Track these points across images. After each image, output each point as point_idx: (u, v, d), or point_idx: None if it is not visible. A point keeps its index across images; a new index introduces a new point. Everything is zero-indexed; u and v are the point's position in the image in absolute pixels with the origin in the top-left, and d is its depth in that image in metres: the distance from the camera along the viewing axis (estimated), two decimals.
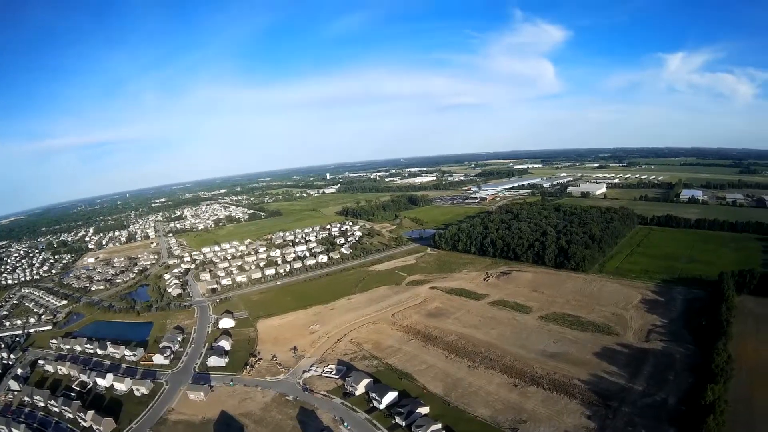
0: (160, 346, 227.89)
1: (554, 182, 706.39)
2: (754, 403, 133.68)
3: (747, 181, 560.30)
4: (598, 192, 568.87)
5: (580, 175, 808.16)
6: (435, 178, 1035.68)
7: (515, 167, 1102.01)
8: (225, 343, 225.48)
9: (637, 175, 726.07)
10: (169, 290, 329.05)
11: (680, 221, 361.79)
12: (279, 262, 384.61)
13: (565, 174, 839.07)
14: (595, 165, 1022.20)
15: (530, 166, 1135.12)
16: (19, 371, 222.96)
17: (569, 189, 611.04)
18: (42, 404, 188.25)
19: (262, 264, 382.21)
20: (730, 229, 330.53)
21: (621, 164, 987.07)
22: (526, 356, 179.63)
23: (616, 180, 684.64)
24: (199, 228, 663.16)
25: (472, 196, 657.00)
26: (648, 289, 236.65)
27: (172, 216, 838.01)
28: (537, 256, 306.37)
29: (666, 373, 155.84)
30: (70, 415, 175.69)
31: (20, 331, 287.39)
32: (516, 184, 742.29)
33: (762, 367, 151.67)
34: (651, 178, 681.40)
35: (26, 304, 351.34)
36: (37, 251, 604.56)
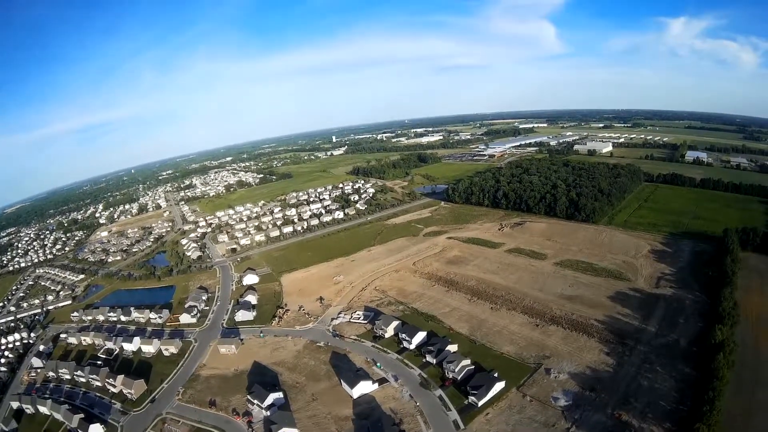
0: (186, 306, 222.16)
1: (561, 140, 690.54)
2: (760, 349, 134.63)
3: (751, 147, 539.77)
4: (605, 150, 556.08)
5: (585, 134, 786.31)
6: (442, 137, 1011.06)
7: (521, 126, 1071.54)
8: (251, 298, 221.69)
9: (642, 136, 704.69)
10: (188, 253, 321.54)
11: (685, 180, 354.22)
12: (296, 220, 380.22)
13: (570, 133, 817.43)
14: (600, 125, 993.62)
15: (536, 125, 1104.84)
16: (41, 347, 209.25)
17: (576, 147, 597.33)
18: (68, 376, 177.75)
19: (279, 223, 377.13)
20: (734, 190, 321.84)
21: (626, 125, 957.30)
22: (544, 298, 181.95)
23: (622, 140, 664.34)
24: (211, 194, 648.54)
25: (481, 153, 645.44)
26: (656, 240, 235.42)
27: (182, 185, 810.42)
28: (549, 208, 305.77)
29: (677, 317, 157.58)
30: (98, 383, 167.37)
31: (39, 310, 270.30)
32: (523, 142, 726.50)
33: (767, 318, 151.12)
34: (656, 138, 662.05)
35: (42, 283, 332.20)
36: (47, 232, 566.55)
